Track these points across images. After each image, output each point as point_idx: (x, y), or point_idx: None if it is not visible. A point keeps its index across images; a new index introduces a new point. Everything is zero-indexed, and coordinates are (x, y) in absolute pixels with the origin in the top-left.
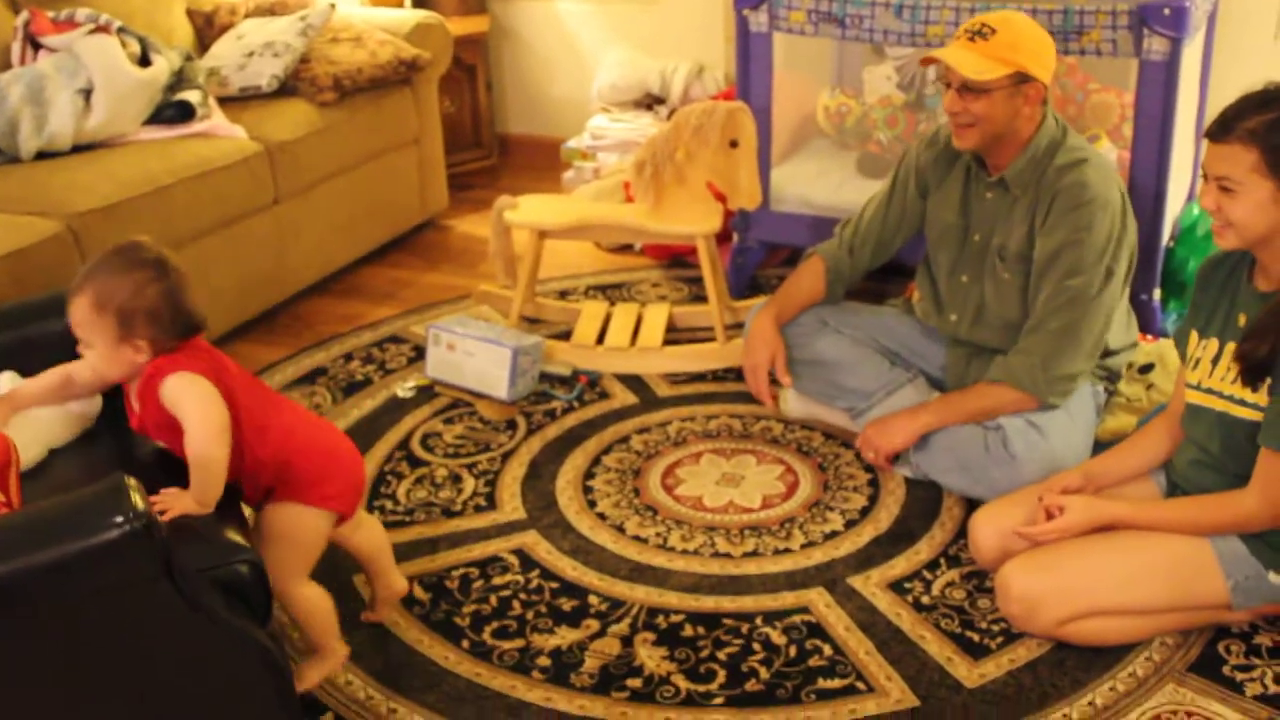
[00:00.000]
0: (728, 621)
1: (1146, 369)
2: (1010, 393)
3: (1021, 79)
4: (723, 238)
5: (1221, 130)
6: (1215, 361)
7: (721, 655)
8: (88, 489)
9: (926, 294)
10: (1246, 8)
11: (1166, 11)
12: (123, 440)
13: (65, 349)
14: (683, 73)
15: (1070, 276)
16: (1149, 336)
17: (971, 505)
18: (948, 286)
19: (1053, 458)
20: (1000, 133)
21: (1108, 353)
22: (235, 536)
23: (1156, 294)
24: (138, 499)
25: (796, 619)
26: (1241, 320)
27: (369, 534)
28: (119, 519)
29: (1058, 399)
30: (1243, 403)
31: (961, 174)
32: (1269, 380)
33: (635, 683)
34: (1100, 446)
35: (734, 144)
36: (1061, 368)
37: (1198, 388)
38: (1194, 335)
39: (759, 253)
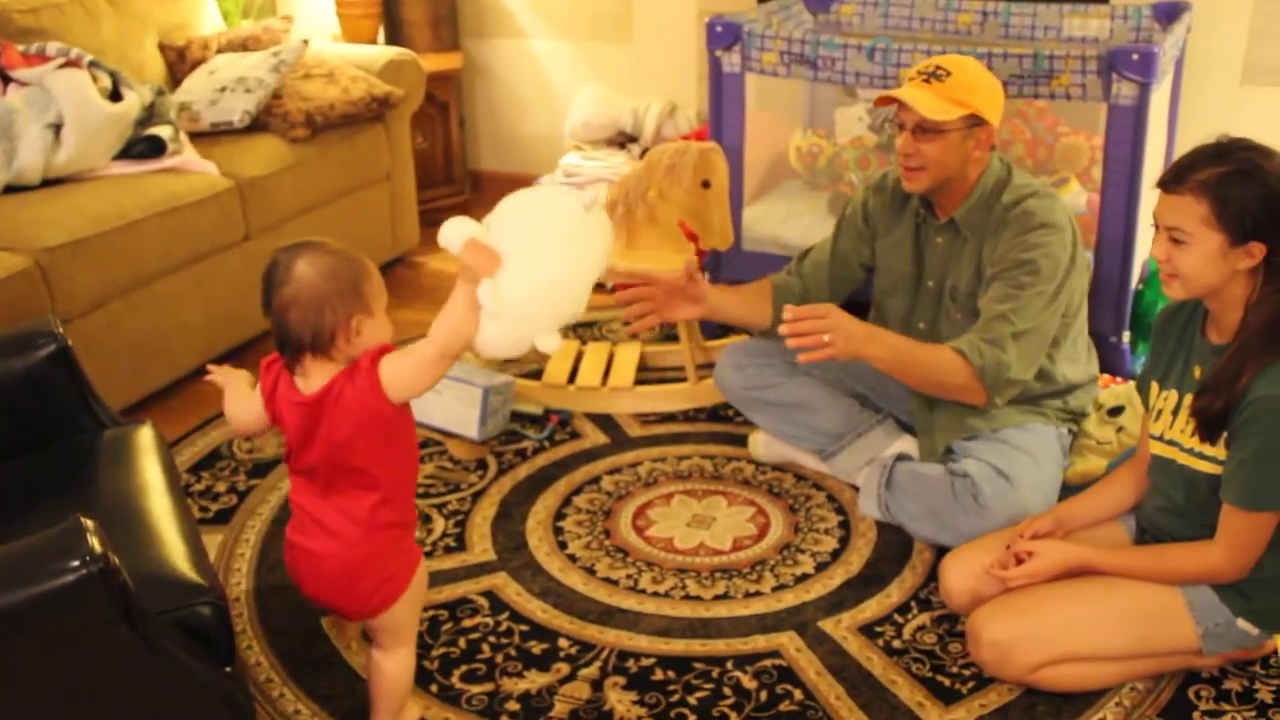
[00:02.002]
0: (698, 665)
1: (1116, 411)
2: (963, 368)
3: (974, 122)
4: None
5: (1174, 181)
6: (1175, 413)
7: (692, 700)
8: (44, 532)
9: None
10: (1213, 54)
11: (1135, 57)
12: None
13: (28, 388)
14: (655, 111)
15: (1019, 287)
16: (1118, 379)
17: (942, 549)
18: (902, 334)
19: (1021, 505)
20: (951, 176)
21: (1068, 388)
22: (196, 577)
23: (1126, 336)
24: (95, 541)
25: (767, 663)
26: (1196, 373)
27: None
28: (75, 562)
29: (1000, 396)
30: (1203, 456)
31: (911, 221)
32: (1225, 435)
33: None
34: (1070, 489)
35: (706, 184)
36: (1006, 368)
37: (1160, 439)
38: (1154, 386)
39: None
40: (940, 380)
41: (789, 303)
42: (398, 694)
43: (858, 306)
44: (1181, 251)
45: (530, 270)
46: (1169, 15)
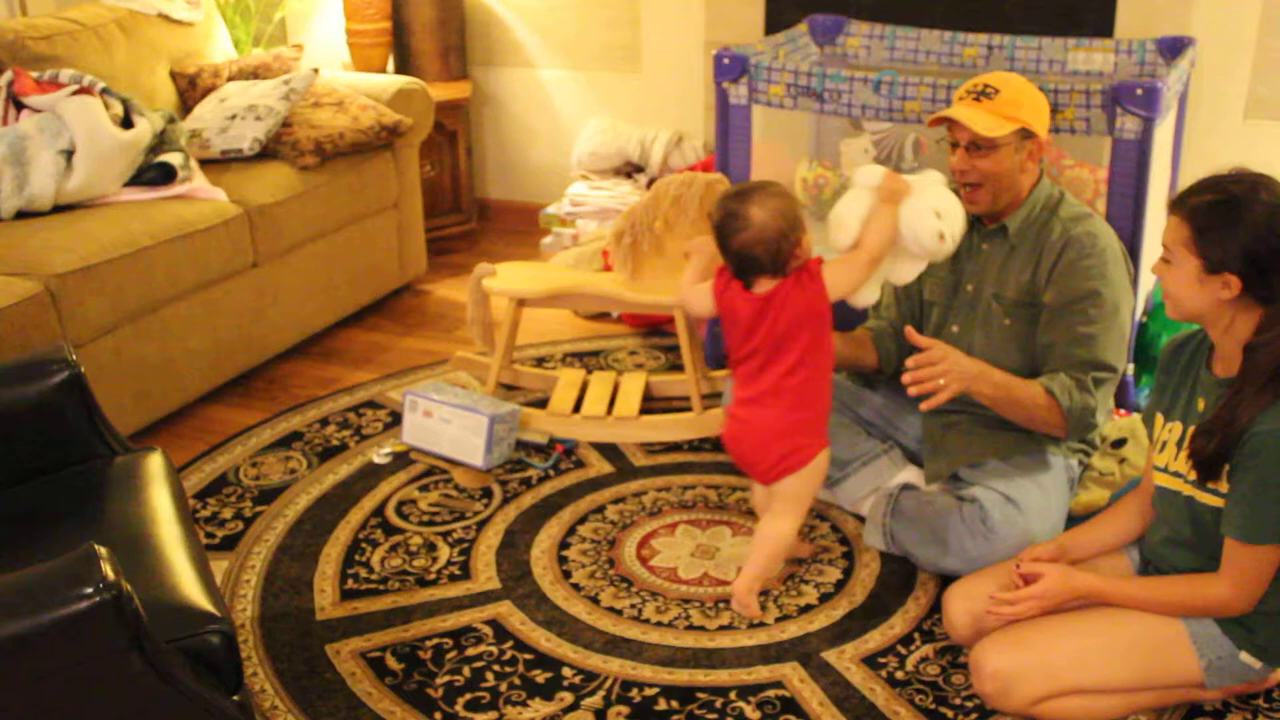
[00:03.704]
0: (702, 696)
1: (1119, 444)
2: (1054, 409)
3: (1025, 135)
4: None
5: (1175, 203)
6: (1180, 445)
7: None
8: (58, 559)
9: (896, 360)
10: (1217, 89)
11: (1139, 92)
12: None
13: (40, 414)
14: (662, 141)
15: (1087, 324)
16: (1122, 411)
17: (946, 579)
18: (934, 338)
19: (1028, 532)
20: (1006, 188)
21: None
22: (206, 605)
23: (1130, 369)
24: (108, 569)
25: (771, 694)
26: (1200, 405)
27: None
28: (89, 590)
29: (1077, 435)
30: (1206, 488)
31: None
32: (1227, 468)
33: None
34: (1073, 520)
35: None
36: (1092, 413)
37: (1165, 470)
38: (1159, 418)
39: None
40: (1032, 416)
41: (885, 343)
42: (774, 554)
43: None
44: (1169, 271)
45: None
46: (1173, 50)
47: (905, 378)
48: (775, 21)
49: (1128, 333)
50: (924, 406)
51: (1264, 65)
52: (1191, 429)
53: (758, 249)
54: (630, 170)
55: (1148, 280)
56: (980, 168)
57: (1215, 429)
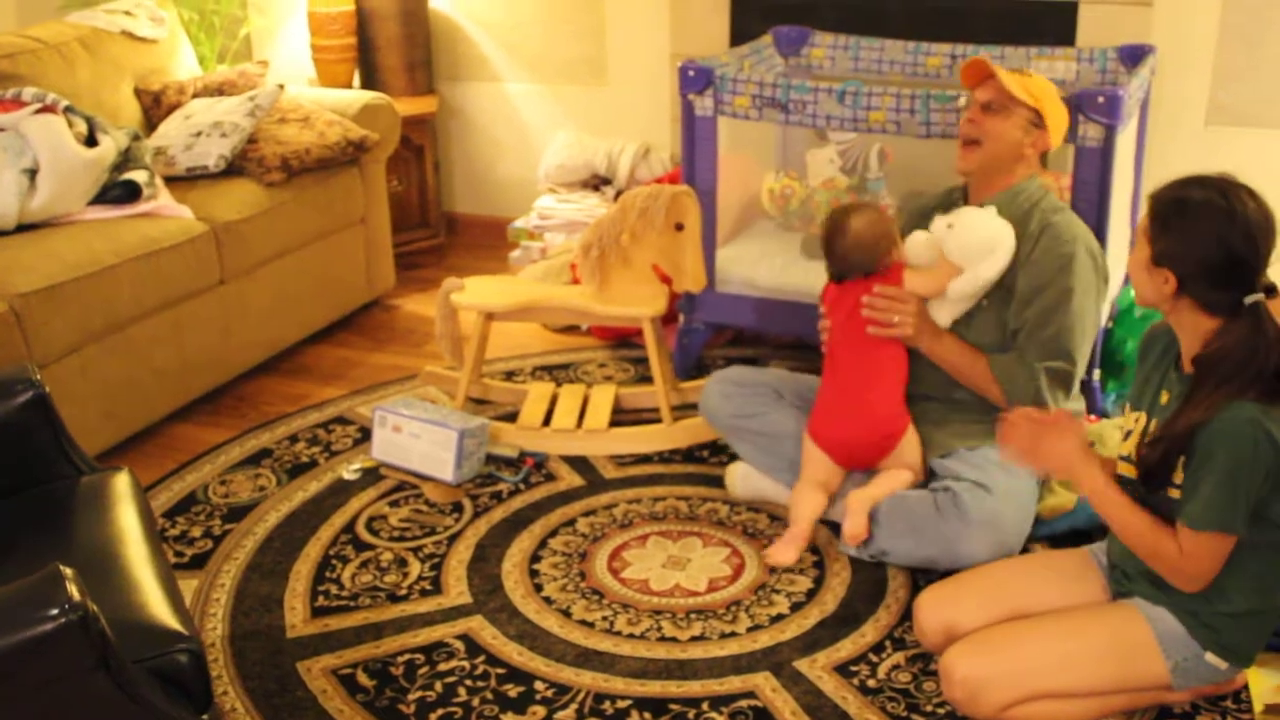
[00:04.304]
0: (674, 707)
1: None
2: (992, 381)
3: (1036, 124)
4: (669, 319)
5: (1153, 191)
6: (1143, 435)
7: None
8: (23, 580)
9: None
10: (1179, 96)
11: (1100, 99)
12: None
13: (4, 435)
14: (629, 154)
15: (1050, 313)
16: (1091, 416)
17: (916, 586)
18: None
19: (998, 512)
20: (1000, 158)
21: None
22: (174, 624)
23: (1096, 374)
24: (74, 589)
25: (743, 704)
26: (1164, 398)
27: None
28: (54, 611)
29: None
30: (1154, 494)
31: (944, 210)
32: (1183, 459)
33: None
34: (1043, 523)
35: (679, 227)
36: (1032, 389)
37: (1128, 460)
38: (1126, 406)
39: (704, 334)
40: (984, 390)
41: None
42: (887, 489)
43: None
44: (1131, 255)
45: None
46: (1134, 58)
47: (864, 299)
48: (740, 33)
49: (1091, 326)
50: (870, 331)
51: (1224, 72)
52: (1155, 421)
53: (856, 255)
54: (598, 183)
55: (1113, 286)
56: (986, 127)
57: (1162, 438)
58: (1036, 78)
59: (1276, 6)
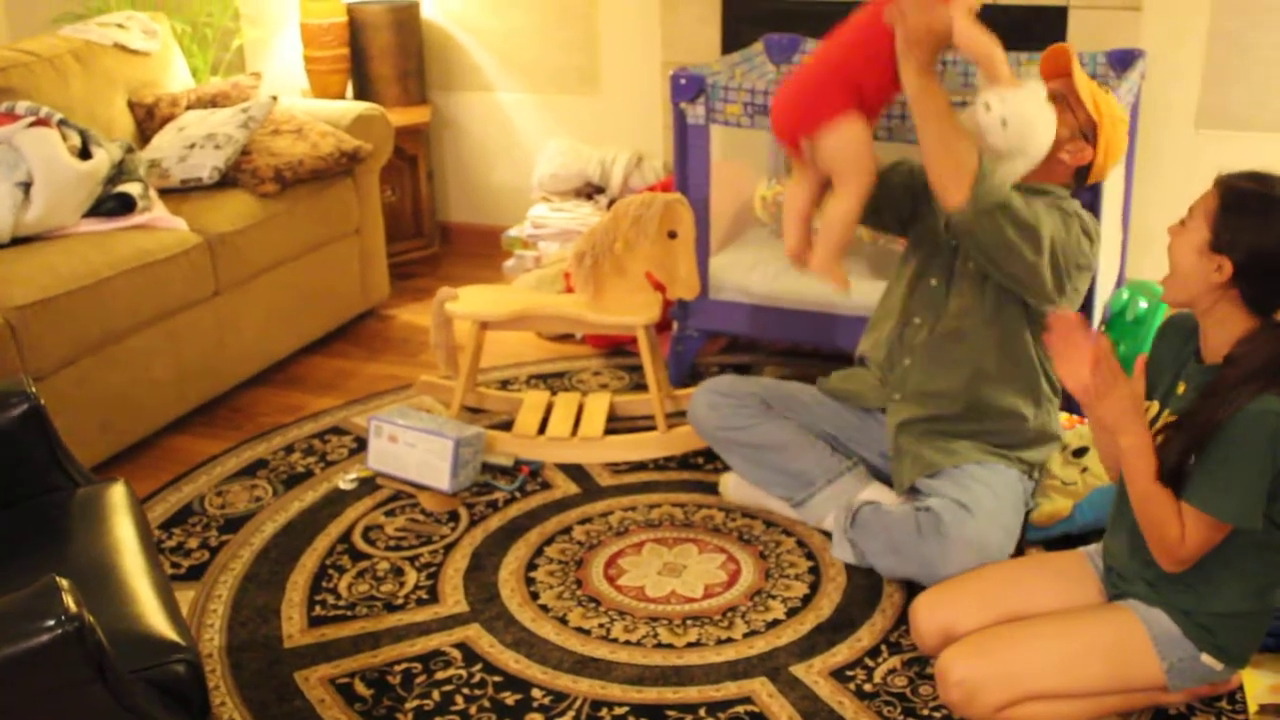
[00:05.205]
0: (671, 714)
1: (1080, 452)
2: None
3: (1086, 136)
4: (662, 326)
5: (1221, 177)
6: (1153, 423)
7: None
8: (19, 592)
9: (880, 354)
10: (1169, 100)
11: None
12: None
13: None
14: (622, 162)
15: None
16: (1082, 419)
17: (912, 590)
18: (909, 302)
19: (979, 533)
20: None
21: (1040, 438)
22: (170, 635)
23: None
24: (70, 601)
25: (740, 709)
26: (1180, 389)
27: None
28: (50, 622)
29: (974, 203)
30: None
31: None
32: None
33: None
34: (1037, 531)
35: (672, 235)
36: (998, 197)
37: None
38: None
39: (698, 341)
40: (952, 163)
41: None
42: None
43: (826, 356)
44: (1180, 234)
45: None
46: (1123, 62)
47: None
48: (732, 41)
49: (1070, 261)
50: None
51: (1213, 76)
52: (1168, 411)
53: None
54: (591, 191)
55: (1105, 290)
56: None
57: (1182, 429)
58: (1113, 99)
59: (1265, 10)
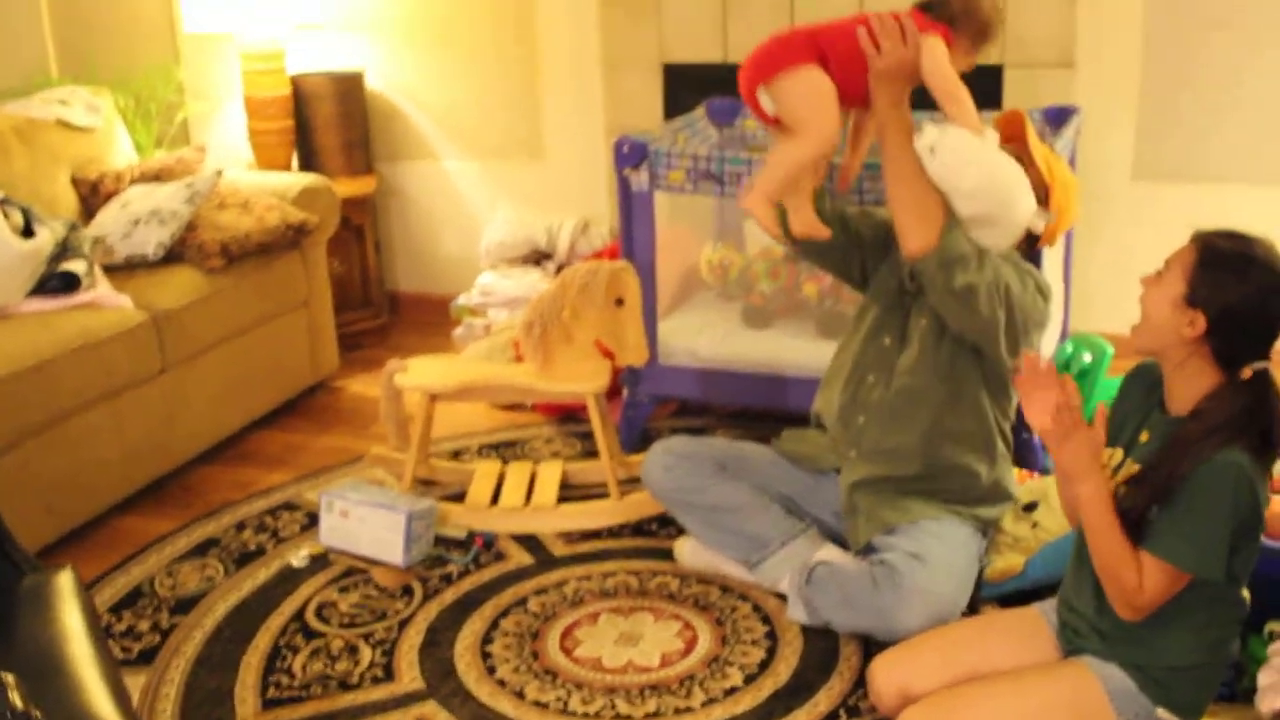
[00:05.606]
0: None
1: (1030, 507)
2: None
3: (1042, 199)
4: (613, 393)
5: (1199, 233)
6: (1115, 471)
7: None
8: None
9: (834, 412)
10: (1105, 153)
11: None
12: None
13: None
14: (569, 228)
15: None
16: (1034, 474)
17: (869, 652)
18: (863, 359)
19: (933, 583)
20: None
21: (994, 495)
22: None
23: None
24: (16, 698)
25: None
26: (1144, 438)
27: None
28: None
29: (937, 263)
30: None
31: None
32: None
33: None
34: (991, 588)
35: (619, 302)
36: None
37: None
38: None
39: (649, 406)
40: (919, 205)
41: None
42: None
43: (782, 418)
44: (1154, 285)
45: None
46: (1058, 119)
47: (875, 14)
48: (674, 105)
49: (1028, 318)
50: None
51: (1147, 128)
52: (1130, 460)
53: None
54: (538, 258)
55: (1049, 346)
56: None
57: (1146, 481)
58: (1064, 164)
59: (1194, 63)
